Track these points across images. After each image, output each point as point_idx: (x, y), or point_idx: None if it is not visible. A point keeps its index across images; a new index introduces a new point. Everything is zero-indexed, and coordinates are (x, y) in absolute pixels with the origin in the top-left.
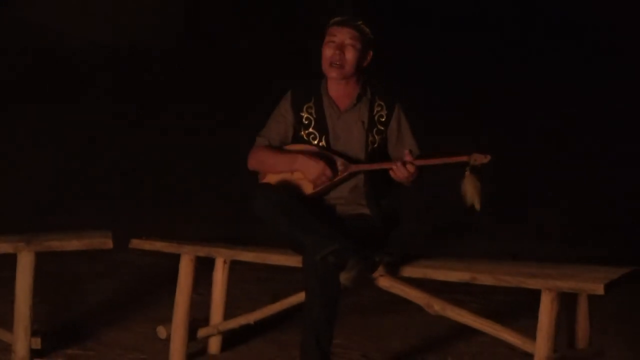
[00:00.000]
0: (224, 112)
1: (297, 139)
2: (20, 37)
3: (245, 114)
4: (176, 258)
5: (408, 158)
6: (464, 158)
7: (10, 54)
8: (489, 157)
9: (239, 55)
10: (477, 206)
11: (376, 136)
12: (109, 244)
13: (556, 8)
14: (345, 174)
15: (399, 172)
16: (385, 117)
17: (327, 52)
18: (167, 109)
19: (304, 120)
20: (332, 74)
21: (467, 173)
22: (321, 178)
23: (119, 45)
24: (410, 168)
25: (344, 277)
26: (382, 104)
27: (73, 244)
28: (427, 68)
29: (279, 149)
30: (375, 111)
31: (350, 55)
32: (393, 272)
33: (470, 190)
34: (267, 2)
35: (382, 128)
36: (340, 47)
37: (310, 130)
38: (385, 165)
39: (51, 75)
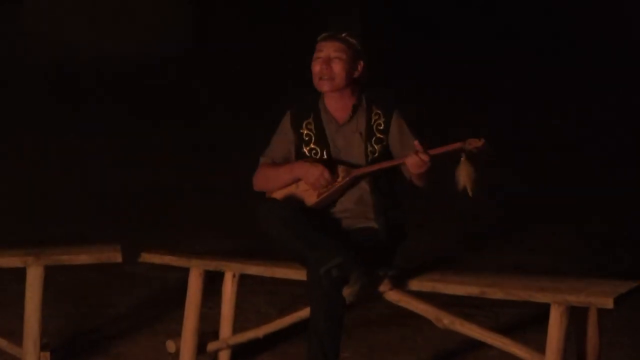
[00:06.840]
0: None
1: (300, 156)
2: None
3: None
4: (184, 271)
5: (418, 148)
6: (459, 144)
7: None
8: (482, 141)
9: (249, 61)
10: (470, 192)
11: (375, 145)
12: (117, 257)
13: None
14: (348, 178)
15: (413, 161)
16: (383, 125)
17: (315, 67)
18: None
19: (304, 136)
20: (323, 87)
21: (463, 159)
22: (320, 180)
23: (122, 55)
24: (424, 157)
25: (347, 292)
26: (380, 112)
27: (82, 258)
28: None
29: (280, 164)
30: (373, 120)
31: (337, 68)
32: (401, 285)
33: (463, 175)
34: (274, 4)
35: (382, 136)
36: (326, 61)
37: (312, 146)
38: (385, 165)
39: (55, 88)
